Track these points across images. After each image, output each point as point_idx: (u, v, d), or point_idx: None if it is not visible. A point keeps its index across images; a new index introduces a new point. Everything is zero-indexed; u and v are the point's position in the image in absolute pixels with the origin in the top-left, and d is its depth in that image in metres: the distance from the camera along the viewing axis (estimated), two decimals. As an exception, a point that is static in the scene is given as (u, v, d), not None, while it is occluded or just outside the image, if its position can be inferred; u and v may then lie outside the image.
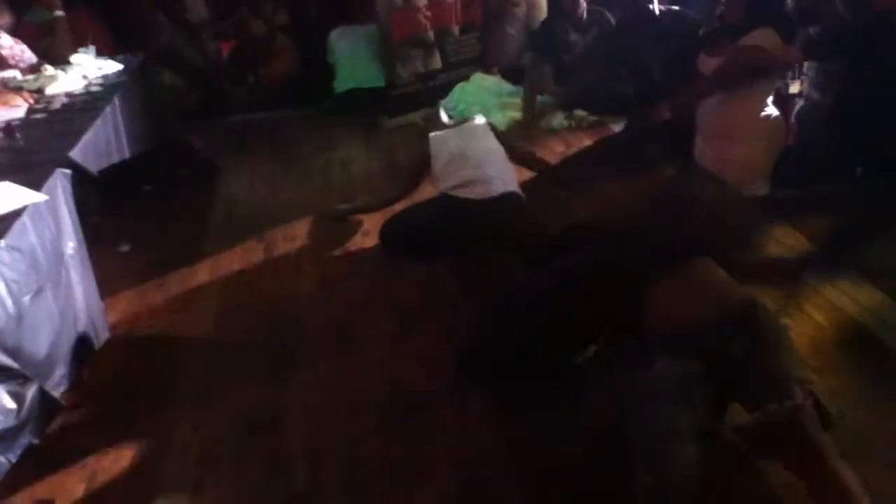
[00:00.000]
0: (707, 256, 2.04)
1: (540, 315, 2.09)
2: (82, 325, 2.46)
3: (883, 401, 2.06)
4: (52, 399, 2.16)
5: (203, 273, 3.18)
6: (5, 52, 3.82)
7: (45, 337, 2.17)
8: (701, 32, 3.99)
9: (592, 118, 4.71)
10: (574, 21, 4.88)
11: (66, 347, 2.32)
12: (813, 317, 2.47)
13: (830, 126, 3.38)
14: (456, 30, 5.43)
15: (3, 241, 1.98)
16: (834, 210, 3.24)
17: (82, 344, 2.45)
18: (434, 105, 5.34)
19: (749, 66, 3.24)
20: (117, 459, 2.11)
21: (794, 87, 4.09)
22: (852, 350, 2.32)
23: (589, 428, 1.82)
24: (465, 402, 2.21)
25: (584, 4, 4.88)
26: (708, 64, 3.44)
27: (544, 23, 5.21)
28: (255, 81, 5.80)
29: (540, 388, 2.13)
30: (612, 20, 4.91)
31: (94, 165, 2.84)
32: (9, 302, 1.97)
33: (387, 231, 3.24)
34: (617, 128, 4.59)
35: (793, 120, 3.69)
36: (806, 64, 3.86)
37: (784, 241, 2.98)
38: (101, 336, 2.64)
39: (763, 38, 3.19)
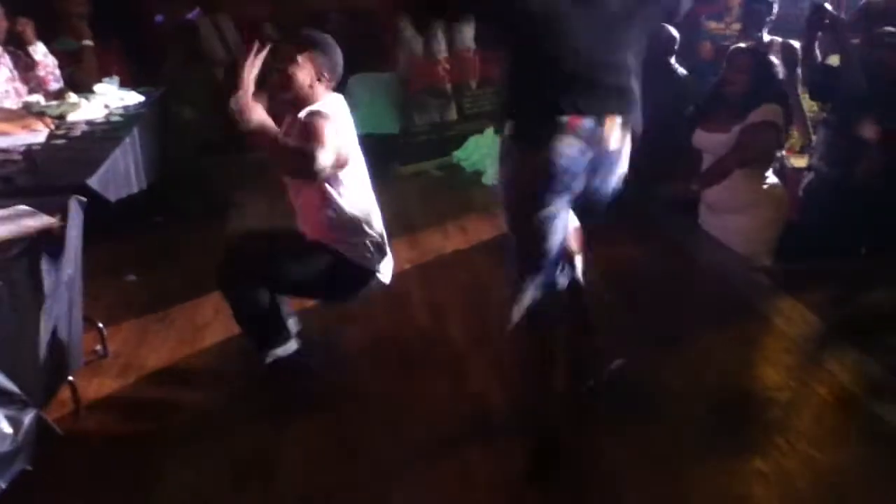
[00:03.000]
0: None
1: None
2: (65, 352, 2.43)
3: (886, 479, 2.04)
4: (49, 426, 2.14)
5: (207, 309, 3.17)
6: (41, 73, 3.90)
7: (40, 362, 2.15)
8: (691, 109, 3.68)
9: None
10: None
11: (51, 372, 2.28)
12: (816, 391, 2.45)
13: (836, 201, 3.40)
14: (474, 83, 5.54)
15: (16, 260, 1.99)
16: (839, 285, 3.24)
17: (62, 371, 2.41)
18: (448, 155, 5.41)
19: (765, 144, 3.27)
20: (110, 491, 2.09)
21: (802, 161, 4.13)
22: (855, 425, 2.30)
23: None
24: (467, 457, 2.18)
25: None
26: (708, 140, 3.43)
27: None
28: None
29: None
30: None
31: (112, 194, 2.84)
32: (13, 322, 1.96)
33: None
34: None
35: (800, 193, 3.72)
36: (814, 137, 3.90)
37: (788, 314, 2.97)
38: (77, 364, 2.60)
39: (773, 114, 3.23)
